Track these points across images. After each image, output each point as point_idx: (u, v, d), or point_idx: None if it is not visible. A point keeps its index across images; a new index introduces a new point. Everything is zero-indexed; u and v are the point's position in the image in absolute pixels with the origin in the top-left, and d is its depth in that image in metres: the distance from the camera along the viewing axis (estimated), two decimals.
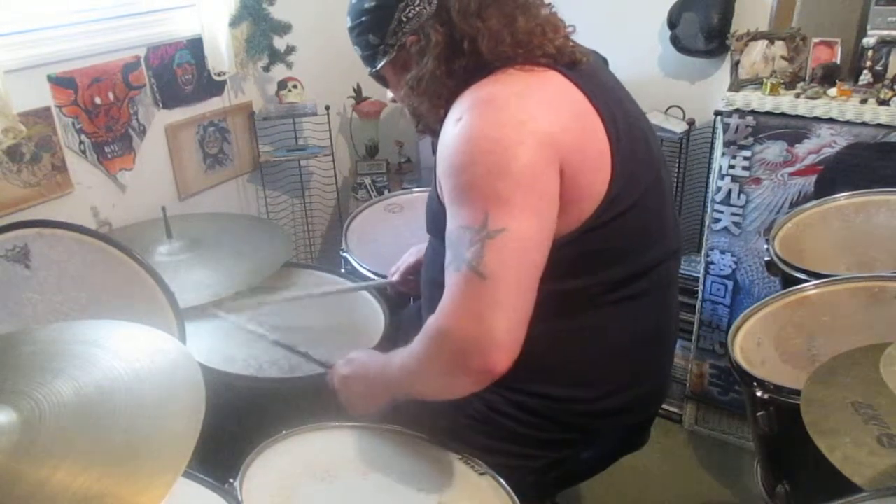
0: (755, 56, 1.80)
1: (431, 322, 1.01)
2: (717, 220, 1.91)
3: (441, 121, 1.08)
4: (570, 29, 1.14)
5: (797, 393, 0.99)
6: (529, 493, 1.12)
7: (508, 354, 0.95)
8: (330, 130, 2.34)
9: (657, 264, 1.17)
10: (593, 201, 1.05)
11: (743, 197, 1.85)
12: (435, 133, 1.13)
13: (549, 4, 1.15)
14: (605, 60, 1.27)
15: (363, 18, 1.13)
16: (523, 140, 0.97)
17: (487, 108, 1.01)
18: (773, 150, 1.77)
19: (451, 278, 0.98)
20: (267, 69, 2.19)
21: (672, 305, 1.29)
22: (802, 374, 1.03)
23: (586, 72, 1.10)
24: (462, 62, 1.07)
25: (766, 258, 1.46)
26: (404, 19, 1.09)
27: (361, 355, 1.22)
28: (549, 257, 1.00)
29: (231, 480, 1.00)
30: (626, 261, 1.12)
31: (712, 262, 1.96)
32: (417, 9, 1.08)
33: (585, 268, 1.10)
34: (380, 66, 1.16)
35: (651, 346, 1.25)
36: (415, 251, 1.57)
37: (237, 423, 1.22)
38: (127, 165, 1.89)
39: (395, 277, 1.59)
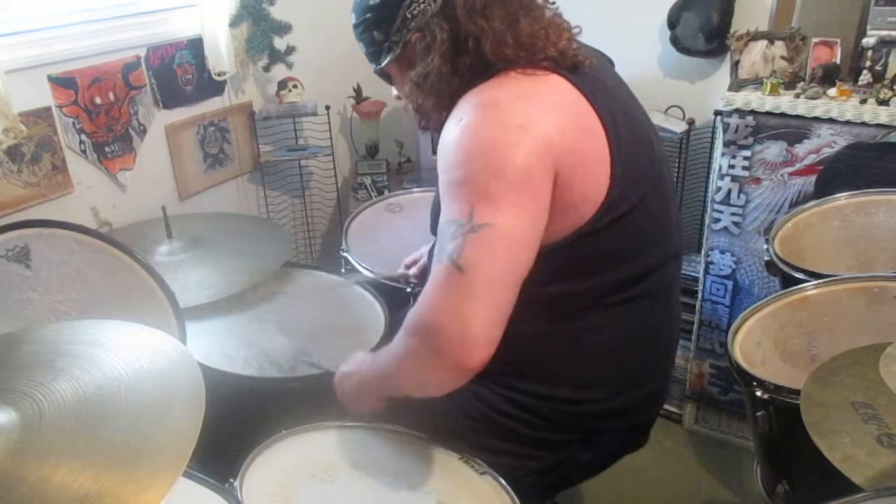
0: (755, 56, 1.80)
1: (411, 313, 1.01)
2: (717, 220, 1.91)
3: (444, 121, 1.08)
4: (576, 30, 1.14)
5: (797, 393, 0.99)
6: (529, 493, 1.12)
7: (483, 350, 0.94)
8: (330, 130, 2.34)
9: (658, 266, 1.17)
10: (591, 206, 1.05)
11: (743, 197, 1.85)
12: (438, 130, 1.13)
13: (554, 4, 1.15)
14: (610, 61, 1.27)
15: (368, 15, 1.13)
16: (521, 143, 0.97)
17: (489, 111, 1.01)
18: (772, 150, 1.77)
19: (434, 270, 0.98)
20: (267, 69, 2.19)
21: (673, 307, 1.29)
22: (802, 374, 1.03)
23: (589, 75, 1.10)
24: (466, 60, 1.07)
25: (766, 258, 1.46)
26: (409, 16, 1.09)
27: (360, 354, 1.23)
28: (549, 260, 1.00)
29: (231, 480, 1.00)
30: (626, 263, 1.12)
31: (712, 262, 1.96)
32: (422, 6, 1.08)
33: (586, 270, 1.10)
34: (384, 63, 1.16)
35: (652, 348, 1.25)
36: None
37: (237, 423, 1.22)
38: (127, 165, 1.89)
39: (413, 269, 1.57)
